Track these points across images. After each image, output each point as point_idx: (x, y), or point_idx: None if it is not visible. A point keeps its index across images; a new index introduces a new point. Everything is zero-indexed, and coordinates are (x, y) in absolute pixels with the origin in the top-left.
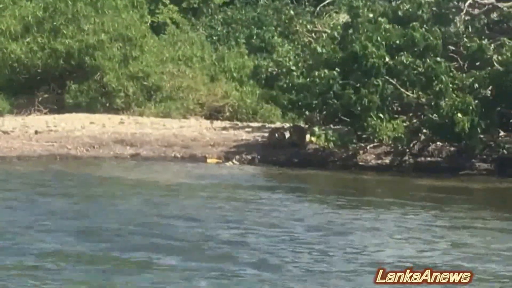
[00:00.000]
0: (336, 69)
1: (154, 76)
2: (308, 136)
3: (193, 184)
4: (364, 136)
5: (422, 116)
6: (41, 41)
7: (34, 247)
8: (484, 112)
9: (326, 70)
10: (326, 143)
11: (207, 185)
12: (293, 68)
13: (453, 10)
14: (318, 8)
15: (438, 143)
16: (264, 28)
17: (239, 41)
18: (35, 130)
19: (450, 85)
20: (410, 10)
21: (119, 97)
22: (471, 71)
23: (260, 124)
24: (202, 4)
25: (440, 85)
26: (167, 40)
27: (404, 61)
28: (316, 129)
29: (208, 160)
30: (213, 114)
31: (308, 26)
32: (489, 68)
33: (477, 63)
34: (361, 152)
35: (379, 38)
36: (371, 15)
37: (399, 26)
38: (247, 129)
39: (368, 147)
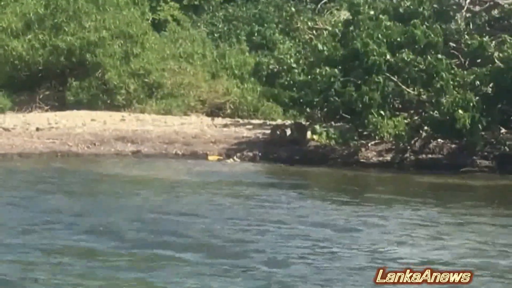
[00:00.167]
0: (337, 66)
1: (155, 73)
2: (309, 133)
3: (195, 181)
4: (365, 133)
5: (423, 113)
6: (42, 38)
7: (41, 244)
8: (485, 109)
9: (327, 68)
10: (327, 141)
11: (209, 182)
12: (294, 65)
13: (454, 7)
14: (319, 5)
15: (439, 140)
16: (265, 25)
17: (240, 38)
18: (36, 127)
19: (451, 82)
20: (411, 7)
21: (120, 94)
22: (472, 68)
23: (261, 121)
24: (203, 1)
25: (441, 82)
26: (168, 37)
27: (405, 58)
28: (317, 127)
29: (209, 157)
30: (214, 111)
31: (309, 23)
32: (490, 65)
33: (478, 60)
34: (362, 149)
35: (380, 36)
36: (372, 12)
37: (400, 23)
38: (248, 126)
39: (369, 144)
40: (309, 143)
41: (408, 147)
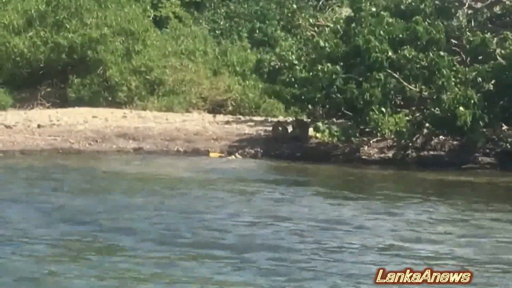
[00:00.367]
0: (339, 63)
1: (156, 70)
2: (311, 130)
3: (198, 178)
4: (367, 130)
5: (424, 110)
6: (44, 35)
7: (54, 240)
8: (486, 106)
9: (329, 64)
10: (330, 138)
11: (211, 179)
12: (296, 62)
13: (456, 3)
14: (320, 2)
15: (441, 137)
16: (266, 22)
17: (242, 35)
18: (38, 124)
19: (453, 79)
20: (413, 4)
21: (122, 91)
22: (474, 65)
23: (262, 118)
24: None
25: (442, 79)
26: (170, 34)
27: (407, 55)
28: (320, 124)
29: (211, 154)
30: (215, 108)
31: (311, 20)
32: (492, 62)
33: (480, 57)
34: (364, 146)
35: (382, 32)
36: (373, 9)
37: (402, 20)
38: (249, 123)
39: (371, 141)
40: (311, 140)
41: (410, 144)
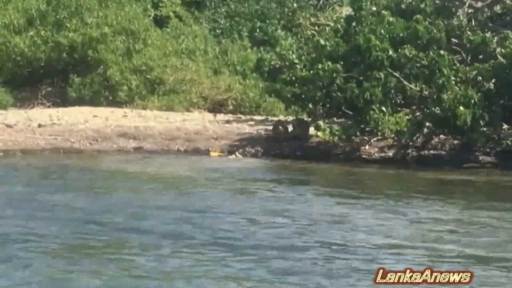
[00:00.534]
0: (340, 62)
1: (157, 69)
2: (311, 129)
3: (199, 177)
4: (367, 129)
5: (425, 109)
6: (44, 35)
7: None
8: (487, 105)
9: (329, 63)
10: (330, 137)
11: (213, 178)
12: (296, 61)
13: (456, 3)
14: (321, 1)
15: (441, 136)
16: (267, 21)
17: (242, 34)
18: (39, 124)
19: (453, 78)
20: (413, 3)
21: (122, 91)
22: (474, 64)
23: (263, 117)
24: None
25: (442, 78)
26: (170, 34)
27: (407, 54)
28: (321, 123)
29: (211, 153)
30: (216, 107)
31: (311, 19)
32: (492, 61)
33: (480, 56)
34: (364, 145)
35: (382, 31)
36: (374, 8)
37: (402, 19)
38: (250, 122)
39: (371, 140)
40: (311, 139)
41: (410, 143)
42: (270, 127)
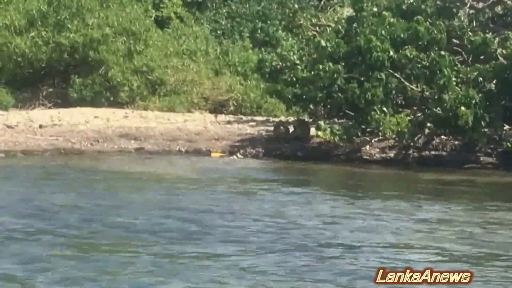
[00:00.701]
0: (341, 62)
1: (158, 70)
2: (312, 130)
3: (201, 178)
4: (368, 130)
5: (426, 110)
6: (45, 35)
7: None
8: (488, 106)
9: (330, 64)
10: (331, 137)
11: (215, 179)
12: (297, 62)
13: (457, 3)
14: (322, 2)
15: (442, 137)
16: (268, 22)
17: (243, 35)
18: (40, 124)
19: (454, 79)
20: (414, 4)
21: (124, 91)
22: (475, 65)
23: (264, 118)
24: None
25: (443, 78)
26: (172, 34)
27: (408, 54)
28: (322, 123)
29: (213, 154)
30: (217, 108)
31: (312, 20)
32: (493, 61)
33: (481, 57)
34: (365, 146)
35: (383, 32)
36: (375, 9)
37: (403, 20)
38: (251, 123)
39: (372, 141)
40: (312, 140)
41: (411, 144)
42: (271, 128)
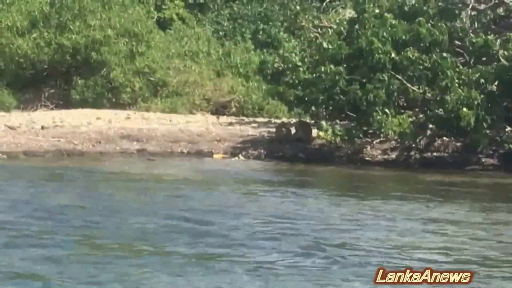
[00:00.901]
0: (342, 64)
1: (160, 71)
2: (314, 131)
3: (203, 179)
4: (370, 131)
5: (428, 111)
6: (47, 37)
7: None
8: (490, 107)
9: (332, 66)
10: (333, 138)
11: (217, 180)
12: (299, 63)
13: (459, 5)
14: (324, 4)
15: (444, 138)
16: (270, 23)
17: (245, 37)
18: (42, 126)
19: (456, 80)
20: (416, 5)
21: (126, 93)
22: (477, 66)
23: (266, 120)
24: (208, 0)
25: (445, 80)
26: (174, 36)
27: (410, 56)
28: (323, 123)
29: (215, 156)
30: (219, 110)
31: (314, 22)
32: (495, 63)
33: (483, 58)
34: (367, 147)
35: (385, 34)
36: (377, 11)
37: (405, 22)
38: (253, 125)
39: (374, 142)
40: (314, 141)
41: (413, 145)
42: (273, 129)
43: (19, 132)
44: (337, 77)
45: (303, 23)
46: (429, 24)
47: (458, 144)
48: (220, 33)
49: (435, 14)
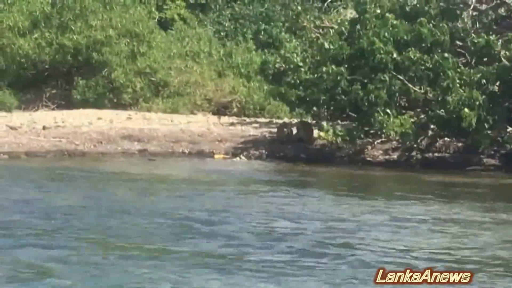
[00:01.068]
0: (344, 65)
1: (161, 71)
2: (316, 132)
3: (205, 180)
4: (371, 131)
5: (429, 112)
6: (49, 37)
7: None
8: (491, 108)
9: (333, 66)
10: (334, 138)
11: (219, 180)
12: (301, 64)
13: (461, 5)
14: (325, 4)
15: (445, 138)
16: (271, 24)
17: (247, 37)
18: (43, 126)
19: (458, 81)
20: (418, 5)
21: (127, 93)
22: (478, 67)
23: (267, 120)
24: (209, 0)
25: (447, 80)
26: (175, 36)
27: (412, 56)
28: (324, 124)
29: (216, 156)
30: (220, 110)
31: (316, 22)
32: (497, 63)
33: (485, 59)
34: (368, 147)
35: (386, 34)
36: (378, 11)
37: (407, 22)
38: (254, 125)
39: (375, 143)
40: (315, 142)
41: (415, 146)
42: (275, 130)
43: (20, 133)
44: (338, 78)
45: (305, 24)
46: (431, 25)
47: (460, 144)
48: (222, 33)
49: (436, 14)
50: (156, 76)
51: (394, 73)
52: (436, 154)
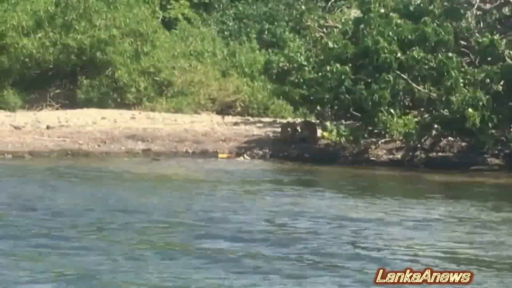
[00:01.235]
0: (348, 64)
1: (165, 71)
2: (319, 131)
3: (208, 179)
4: (375, 131)
5: (433, 111)
6: (53, 37)
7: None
8: (495, 107)
9: (337, 65)
10: (338, 138)
11: (223, 180)
12: (305, 63)
13: (465, 5)
14: (329, 3)
15: (449, 138)
16: (275, 23)
17: (251, 36)
18: (47, 125)
19: (462, 80)
20: (422, 5)
21: (131, 93)
22: (482, 66)
23: (271, 119)
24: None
25: (451, 80)
26: (179, 36)
27: (416, 56)
28: (328, 123)
29: (220, 155)
30: (224, 109)
31: (320, 21)
32: (501, 63)
33: (489, 58)
34: (372, 147)
35: (390, 33)
36: (382, 10)
37: (411, 21)
38: (258, 124)
39: (379, 143)
40: (319, 141)
41: (418, 145)
42: (278, 129)
43: (24, 132)
44: (342, 77)
45: (309, 23)
46: (435, 24)
47: (464, 144)
48: (225, 33)
49: (440, 13)
50: (160, 76)
51: (398, 73)
52: (440, 154)
